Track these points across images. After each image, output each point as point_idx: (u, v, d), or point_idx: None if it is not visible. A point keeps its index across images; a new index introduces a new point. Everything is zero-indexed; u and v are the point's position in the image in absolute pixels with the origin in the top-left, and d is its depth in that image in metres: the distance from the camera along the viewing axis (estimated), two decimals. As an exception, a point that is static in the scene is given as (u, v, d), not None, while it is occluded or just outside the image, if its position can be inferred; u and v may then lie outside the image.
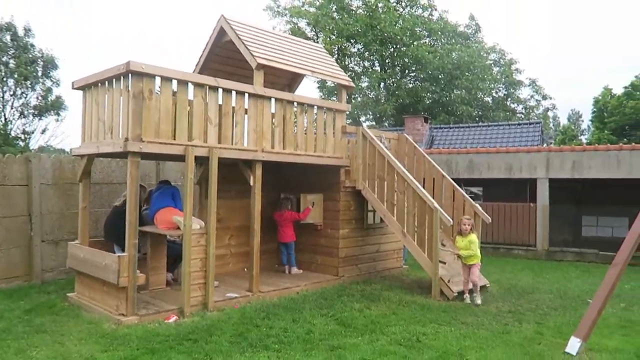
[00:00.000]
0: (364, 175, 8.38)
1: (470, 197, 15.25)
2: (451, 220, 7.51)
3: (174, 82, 6.19)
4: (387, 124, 31.42)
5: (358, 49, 32.74)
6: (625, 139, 19.21)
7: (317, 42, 23.94)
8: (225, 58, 8.11)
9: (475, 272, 7.37)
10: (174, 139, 6.14)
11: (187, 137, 6.26)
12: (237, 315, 6.30)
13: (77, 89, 6.92)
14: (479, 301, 7.15)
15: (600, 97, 24.72)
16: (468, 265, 7.35)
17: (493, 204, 12.42)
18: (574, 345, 5.13)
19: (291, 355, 4.90)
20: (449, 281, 7.53)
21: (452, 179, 12.65)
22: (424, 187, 8.92)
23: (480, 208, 8.40)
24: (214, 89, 6.62)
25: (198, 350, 4.97)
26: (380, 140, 8.76)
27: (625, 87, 22.39)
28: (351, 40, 31.40)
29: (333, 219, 8.52)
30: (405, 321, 6.22)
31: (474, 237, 7.36)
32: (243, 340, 5.31)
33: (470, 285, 7.35)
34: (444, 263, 7.79)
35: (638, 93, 21.95)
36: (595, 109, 27.87)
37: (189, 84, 6.35)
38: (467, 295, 7.35)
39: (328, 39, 29.94)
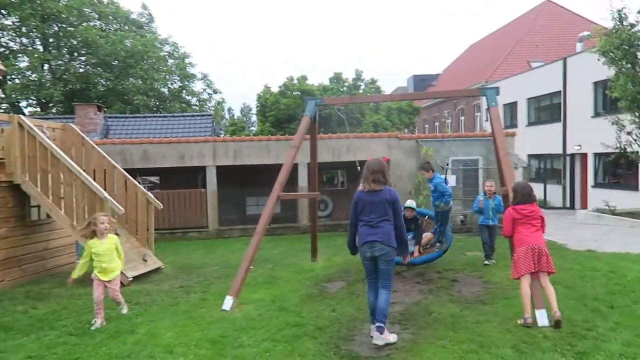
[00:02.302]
0: (24, 168, 7.71)
1: (149, 186, 15.56)
2: (122, 209, 7.76)
3: None
4: (54, 111, 28.32)
5: (13, 22, 28.22)
6: (282, 132, 22.88)
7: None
8: None
9: (117, 286, 6.02)
10: None
11: None
12: None
13: None
14: (125, 310, 6.09)
15: (262, 94, 28.50)
16: (104, 282, 5.77)
17: (169, 192, 13.14)
18: (228, 302, 6.24)
19: None
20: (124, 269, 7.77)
21: (128, 169, 12.74)
22: (94, 179, 8.83)
23: (152, 196, 8.91)
24: None
25: None
26: (41, 130, 8.18)
27: (280, 87, 26.39)
28: (2, 12, 26.80)
29: (-15, 219, 7.53)
30: (77, 313, 6.23)
31: (117, 238, 5.98)
32: None
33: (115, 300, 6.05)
34: (119, 251, 8.00)
35: (289, 92, 26.15)
36: (258, 104, 31.68)
37: None
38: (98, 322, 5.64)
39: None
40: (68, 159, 7.63)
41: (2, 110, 26.51)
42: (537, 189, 22.65)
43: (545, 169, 23.19)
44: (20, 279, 7.85)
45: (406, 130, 34.02)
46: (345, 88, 26.44)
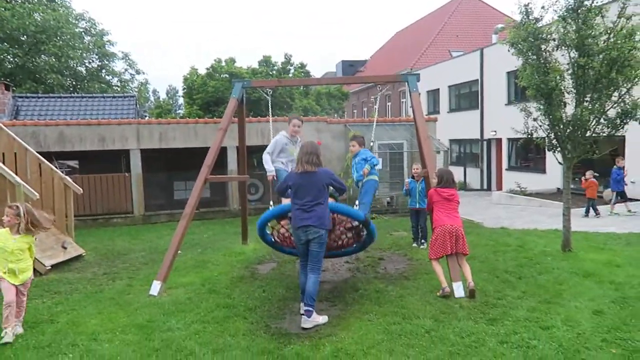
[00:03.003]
0: None
1: (67, 170, 14.69)
2: (37, 194, 7.31)
3: None
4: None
5: None
6: (210, 114, 22.29)
7: None
8: None
9: (26, 292, 4.99)
10: None
11: None
12: None
13: None
14: (19, 331, 4.77)
15: (188, 76, 27.56)
16: (16, 286, 4.78)
17: (90, 176, 12.48)
18: (155, 287, 6.12)
19: None
20: (41, 257, 7.35)
21: (43, 153, 11.95)
22: (4, 162, 8.24)
23: (70, 180, 8.45)
24: None
25: None
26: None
27: (207, 69, 25.62)
28: None
29: None
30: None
31: (32, 239, 4.97)
32: None
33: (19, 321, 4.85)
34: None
35: (217, 74, 25.48)
36: (185, 86, 30.68)
37: None
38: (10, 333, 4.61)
39: None
40: (-28, 140, 7.03)
41: None
42: (458, 172, 23.99)
43: (465, 154, 24.52)
44: None
45: (335, 115, 34.50)
46: (274, 72, 26.27)
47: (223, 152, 12.78)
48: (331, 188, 5.23)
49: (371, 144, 7.09)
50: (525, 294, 5.62)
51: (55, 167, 12.35)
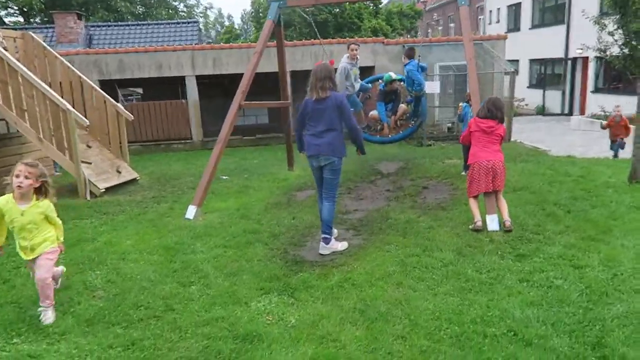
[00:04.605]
0: (-17, 81, 7.50)
1: (136, 97, 15.30)
2: (87, 120, 7.64)
3: None
4: (39, 20, 27.21)
5: None
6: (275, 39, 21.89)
7: None
8: None
9: (47, 267, 3.64)
10: None
11: None
12: None
13: None
14: (50, 316, 3.59)
15: (255, -1, 26.96)
16: (33, 260, 3.66)
17: (149, 103, 12.91)
18: (191, 211, 6.32)
19: None
20: (96, 180, 7.84)
21: (105, 81, 12.48)
22: (61, 90, 8.65)
23: (121, 107, 8.73)
24: None
25: None
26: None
27: (274, -10, 24.80)
28: None
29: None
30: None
31: (47, 204, 3.68)
32: None
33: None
34: (90, 163, 8.02)
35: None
36: (253, 10, 30.16)
37: None
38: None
39: None
40: (25, 69, 7.37)
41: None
42: (537, 95, 22.19)
43: (545, 75, 22.44)
44: (-5, 192, 7.93)
45: (407, 36, 32.61)
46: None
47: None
48: None
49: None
50: (568, 228, 5.15)
51: (119, 95, 12.93)
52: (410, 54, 8.05)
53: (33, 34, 8.76)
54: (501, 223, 5.19)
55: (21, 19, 27.87)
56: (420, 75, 8.07)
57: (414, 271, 4.22)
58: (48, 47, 8.64)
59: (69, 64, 8.65)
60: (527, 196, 6.55)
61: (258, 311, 3.64)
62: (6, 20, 27.88)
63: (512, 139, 11.87)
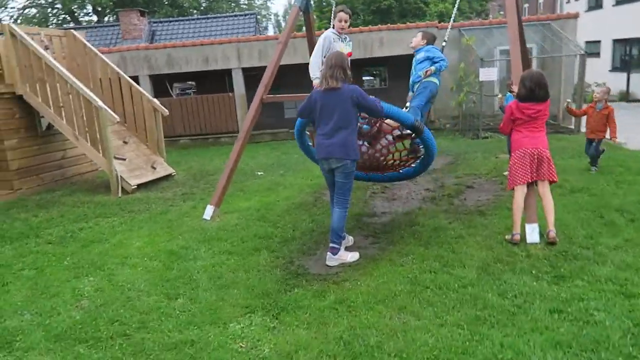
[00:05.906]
0: (23, 79, 7.68)
1: (183, 93, 15.44)
2: (117, 117, 7.61)
3: None
4: (110, 19, 28.52)
5: None
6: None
7: None
8: None
9: None
10: None
11: None
12: None
13: None
14: None
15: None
16: None
17: (197, 97, 12.91)
18: (209, 211, 6.05)
19: None
20: (128, 176, 7.82)
21: (156, 76, 12.60)
22: (101, 87, 8.73)
23: (157, 102, 8.66)
24: None
25: None
26: (39, 38, 8.02)
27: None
28: None
29: (-5, 130, 7.73)
30: (70, 221, 6.34)
31: None
32: None
33: None
34: (124, 159, 8.02)
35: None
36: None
37: None
38: None
39: None
40: (60, 67, 7.44)
41: (59, 21, 27.15)
42: (620, 79, 19.98)
43: (630, 56, 20.12)
44: (38, 188, 8.17)
45: (478, 19, 30.76)
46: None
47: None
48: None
49: (443, 43, 5.75)
50: (627, 243, 4.29)
51: (170, 90, 13.03)
52: (430, 36, 5.42)
53: (75, 33, 8.89)
54: (544, 233, 4.43)
55: (95, 18, 29.37)
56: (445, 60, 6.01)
57: (424, 292, 3.62)
58: (89, 45, 8.73)
59: (108, 61, 8.70)
60: (585, 199, 5.66)
61: (233, 335, 3.24)
62: (82, 19, 29.52)
63: (581, 130, 10.60)
